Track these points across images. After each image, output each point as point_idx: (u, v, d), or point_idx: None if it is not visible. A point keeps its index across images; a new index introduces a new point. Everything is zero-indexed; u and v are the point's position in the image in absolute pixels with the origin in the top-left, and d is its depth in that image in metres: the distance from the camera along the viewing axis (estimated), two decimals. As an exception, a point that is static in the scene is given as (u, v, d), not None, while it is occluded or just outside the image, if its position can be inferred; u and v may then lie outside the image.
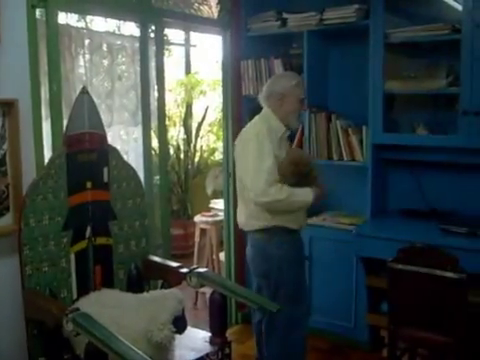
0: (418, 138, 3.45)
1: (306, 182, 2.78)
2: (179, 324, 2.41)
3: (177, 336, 2.48)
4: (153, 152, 3.74)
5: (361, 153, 3.56)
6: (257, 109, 4.00)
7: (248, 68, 3.89)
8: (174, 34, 6.39)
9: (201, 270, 2.63)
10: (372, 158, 3.52)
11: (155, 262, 2.87)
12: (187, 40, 6.60)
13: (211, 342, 2.57)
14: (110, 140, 2.99)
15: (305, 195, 2.78)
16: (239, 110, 3.99)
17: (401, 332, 2.85)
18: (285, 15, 3.75)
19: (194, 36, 6.53)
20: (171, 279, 2.72)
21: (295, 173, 2.70)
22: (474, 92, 3.11)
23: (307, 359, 3.12)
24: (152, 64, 3.44)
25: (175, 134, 6.00)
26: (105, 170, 2.66)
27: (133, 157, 4.09)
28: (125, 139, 4.39)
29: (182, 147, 5.97)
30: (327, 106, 3.86)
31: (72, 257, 2.52)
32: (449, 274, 2.63)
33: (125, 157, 3.30)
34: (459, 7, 3.19)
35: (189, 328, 2.61)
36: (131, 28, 4.27)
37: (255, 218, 2.84)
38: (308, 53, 3.68)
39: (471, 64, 3.11)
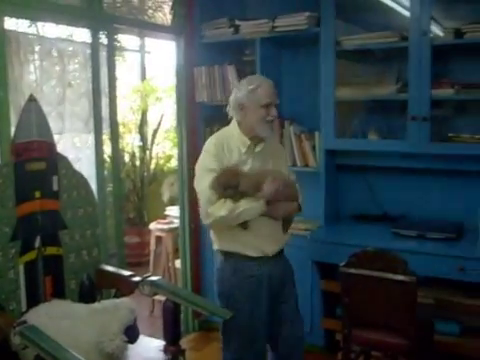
0: (369, 143, 3.51)
1: (240, 194, 2.48)
2: (131, 333, 2.38)
3: (130, 346, 2.45)
4: (109, 159, 3.69)
5: (314, 159, 3.60)
6: (211, 116, 4.03)
7: (202, 75, 3.88)
8: (129, 40, 6.35)
9: (154, 278, 2.61)
10: (325, 164, 3.56)
11: (108, 271, 2.83)
12: (142, 46, 6.56)
13: (165, 351, 2.55)
14: (62, 148, 2.94)
15: (251, 202, 2.48)
16: (193, 117, 3.98)
17: (355, 335, 2.88)
18: (238, 22, 3.76)
19: (151, 43, 6.49)
20: (124, 288, 2.69)
21: (221, 185, 2.46)
22: (422, 98, 3.19)
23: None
24: (104, 71, 3.41)
25: (131, 141, 5.95)
26: (54, 179, 2.61)
27: (87, 165, 4.03)
28: (79, 147, 4.34)
29: (138, 154, 5.91)
30: (280, 112, 3.87)
31: (21, 268, 2.46)
32: (399, 277, 2.68)
33: (79, 165, 3.26)
34: (407, 15, 3.26)
35: (142, 337, 2.58)
36: (84, 34, 4.22)
37: (213, 241, 2.70)
38: (261, 60, 3.71)
39: (419, 71, 3.18)
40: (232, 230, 2.56)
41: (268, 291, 2.66)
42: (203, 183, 2.51)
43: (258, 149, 2.63)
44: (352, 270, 2.80)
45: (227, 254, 2.64)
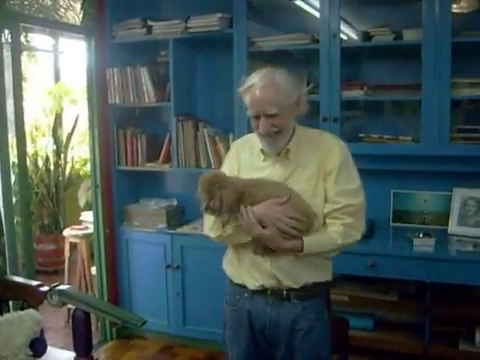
0: (283, 144, 3.53)
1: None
2: (38, 346, 2.27)
3: None
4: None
5: (229, 160, 3.58)
6: (124, 118, 3.94)
7: (114, 76, 3.78)
8: (43, 40, 6.12)
9: (62, 287, 2.51)
10: (240, 165, 3.55)
11: (14, 282, 2.70)
12: (55, 47, 6.34)
13: (75, 363, 2.45)
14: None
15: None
16: (105, 119, 3.87)
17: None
18: (150, 22, 3.70)
19: (66, 43, 6.28)
20: (31, 299, 2.56)
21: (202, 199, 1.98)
22: (332, 99, 3.25)
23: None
24: (10, 71, 3.25)
25: (45, 145, 5.73)
26: (-48, 186, 2.47)
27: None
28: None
29: (52, 158, 5.70)
30: (195, 114, 3.86)
31: None
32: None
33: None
34: (318, 17, 3.31)
35: (51, 349, 2.47)
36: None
37: None
38: (174, 61, 3.66)
39: (329, 73, 3.24)
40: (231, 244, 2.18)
41: (249, 333, 2.15)
42: None
43: (283, 155, 2.09)
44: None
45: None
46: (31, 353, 2.22)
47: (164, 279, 3.80)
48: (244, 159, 2.17)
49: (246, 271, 2.12)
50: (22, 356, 2.17)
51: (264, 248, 2.03)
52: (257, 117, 2.02)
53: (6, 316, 2.39)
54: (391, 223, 3.52)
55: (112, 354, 3.82)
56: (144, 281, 3.90)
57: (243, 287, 2.14)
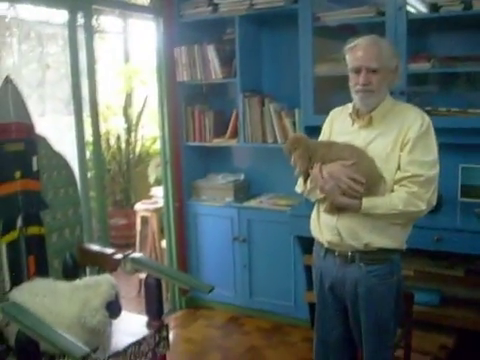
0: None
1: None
2: (113, 309, 2.41)
3: (113, 321, 2.48)
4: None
5: (295, 135, 3.62)
6: (192, 95, 4.04)
7: (182, 54, 3.88)
8: (114, 22, 6.32)
9: (135, 255, 2.65)
10: (305, 140, 3.58)
11: (90, 250, 2.86)
12: (125, 28, 6.54)
13: (148, 326, 2.59)
14: (44, 130, 2.94)
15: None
16: (174, 97, 3.99)
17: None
18: (216, 0, 3.76)
19: (136, 24, 6.44)
20: (106, 265, 2.72)
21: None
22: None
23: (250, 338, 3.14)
24: (83, 52, 3.40)
25: (116, 124, 5.94)
26: (34, 159, 2.62)
27: (71, 147, 4.04)
28: (62, 128, 4.32)
29: (123, 137, 5.92)
30: (261, 90, 3.91)
31: (3, 248, 2.49)
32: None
33: (62, 147, 3.27)
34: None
35: (125, 313, 2.61)
36: (64, 16, 4.20)
37: None
38: (240, 38, 3.72)
39: (395, 45, 3.16)
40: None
41: (319, 292, 2.38)
42: None
43: (371, 122, 2.19)
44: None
45: None
46: (107, 314, 2.37)
47: (231, 252, 3.92)
48: (337, 125, 2.34)
49: (319, 227, 2.28)
50: (99, 317, 2.31)
51: (332, 207, 2.18)
52: (358, 72, 2.14)
53: (84, 280, 2.56)
54: (459, 198, 3.46)
55: (182, 322, 3.98)
56: (212, 253, 4.03)
57: (320, 245, 2.31)
